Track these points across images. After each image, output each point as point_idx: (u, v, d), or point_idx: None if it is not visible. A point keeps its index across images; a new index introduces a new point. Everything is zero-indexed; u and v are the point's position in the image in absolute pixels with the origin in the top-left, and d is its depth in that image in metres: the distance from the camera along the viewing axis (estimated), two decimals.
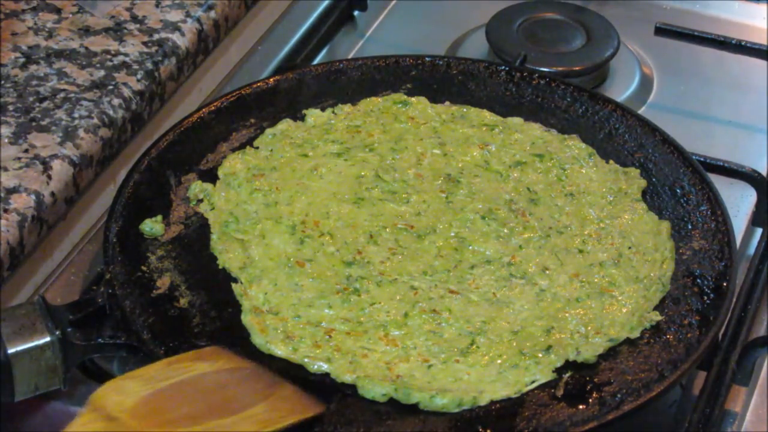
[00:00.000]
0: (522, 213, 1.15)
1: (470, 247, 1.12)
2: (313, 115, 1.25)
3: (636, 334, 1.06)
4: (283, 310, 1.06)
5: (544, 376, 1.02)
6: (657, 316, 1.07)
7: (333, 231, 1.13)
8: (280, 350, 1.03)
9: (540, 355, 1.03)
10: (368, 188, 1.17)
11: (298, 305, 1.07)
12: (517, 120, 1.25)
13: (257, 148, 1.21)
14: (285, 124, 1.24)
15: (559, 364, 1.03)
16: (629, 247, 1.12)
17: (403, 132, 1.23)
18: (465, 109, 1.26)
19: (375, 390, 1.00)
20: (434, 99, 1.27)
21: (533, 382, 1.02)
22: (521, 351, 1.03)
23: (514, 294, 1.09)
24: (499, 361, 1.03)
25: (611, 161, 1.21)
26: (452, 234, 1.13)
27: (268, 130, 1.23)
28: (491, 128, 1.23)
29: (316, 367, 1.02)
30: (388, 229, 1.13)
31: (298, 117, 1.25)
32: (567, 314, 1.07)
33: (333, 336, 1.04)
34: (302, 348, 1.03)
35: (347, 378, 1.01)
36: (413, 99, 1.27)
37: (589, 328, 1.06)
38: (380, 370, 1.02)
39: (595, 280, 1.10)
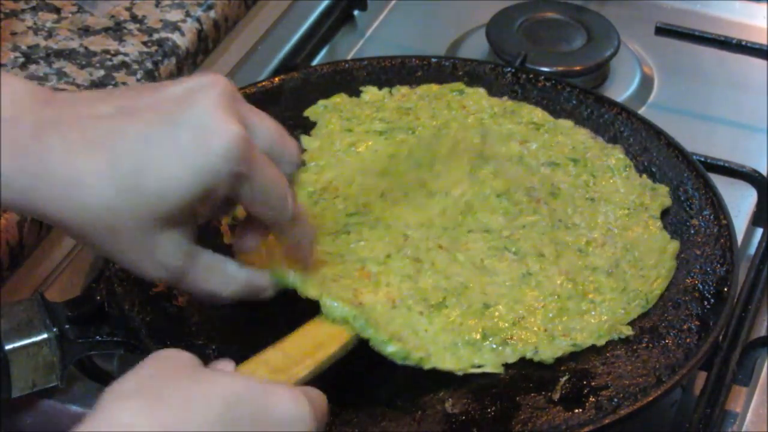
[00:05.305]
0: (538, 200, 1.14)
1: (476, 215, 1.11)
2: (369, 92, 1.26)
3: (601, 342, 1.04)
4: None
5: (493, 368, 1.01)
6: (628, 330, 1.05)
7: (348, 195, 1.13)
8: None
9: (498, 347, 1.02)
10: (397, 163, 1.17)
11: None
12: (567, 123, 1.24)
13: (306, 117, 1.23)
14: (339, 98, 1.25)
15: (511, 361, 1.02)
16: (629, 261, 1.11)
17: (450, 120, 1.23)
18: (518, 105, 1.25)
19: (336, 311, 0.98)
20: None
21: (480, 367, 1.01)
22: (484, 331, 1.02)
23: (501, 266, 1.07)
24: (459, 330, 1.02)
25: (644, 176, 1.19)
26: (463, 201, 1.13)
27: (321, 102, 1.24)
28: (537, 127, 1.23)
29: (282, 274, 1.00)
30: (401, 187, 1.13)
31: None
32: (542, 306, 1.05)
33: None
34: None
35: (312, 293, 0.99)
36: (470, 89, 1.26)
37: (559, 328, 1.04)
38: (346, 293, 1.01)
39: (582, 283, 1.09)
